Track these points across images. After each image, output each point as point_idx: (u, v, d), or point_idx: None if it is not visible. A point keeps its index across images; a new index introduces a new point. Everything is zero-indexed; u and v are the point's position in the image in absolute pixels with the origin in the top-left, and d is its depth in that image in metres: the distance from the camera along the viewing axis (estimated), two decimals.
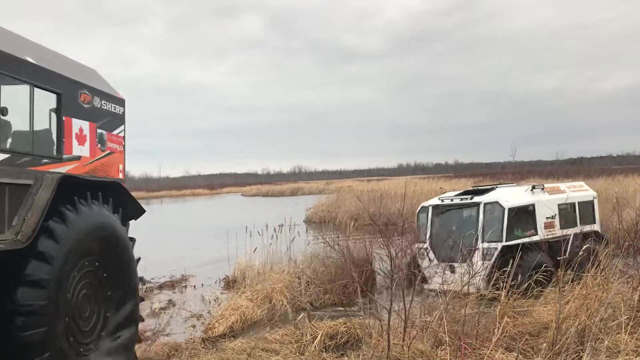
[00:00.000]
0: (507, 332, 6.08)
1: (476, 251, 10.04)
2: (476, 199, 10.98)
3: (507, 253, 9.94)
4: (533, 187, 11.59)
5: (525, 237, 10.61)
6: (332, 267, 11.11)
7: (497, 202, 10.63)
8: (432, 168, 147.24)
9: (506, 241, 10.29)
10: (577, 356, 5.25)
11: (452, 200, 11.49)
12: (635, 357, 4.65)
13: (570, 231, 11.25)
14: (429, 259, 10.77)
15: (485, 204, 10.67)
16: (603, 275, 6.35)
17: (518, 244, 9.61)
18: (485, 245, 10.22)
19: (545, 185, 12.16)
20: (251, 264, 12.64)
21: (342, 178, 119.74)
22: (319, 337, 7.08)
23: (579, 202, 12.30)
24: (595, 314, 5.72)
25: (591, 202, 13.00)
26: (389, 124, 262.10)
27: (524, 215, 10.91)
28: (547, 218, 11.22)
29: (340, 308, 9.62)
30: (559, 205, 11.64)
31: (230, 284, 12.83)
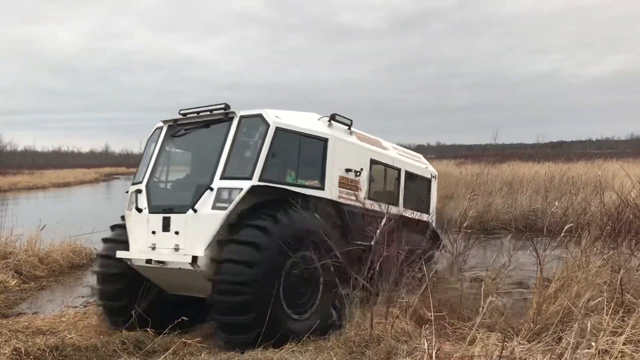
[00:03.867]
0: (490, 312, 6.13)
1: (206, 193, 6.52)
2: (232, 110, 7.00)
3: (260, 204, 6.60)
4: (333, 117, 7.78)
5: (301, 186, 7.10)
6: None
7: (260, 117, 6.84)
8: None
9: (261, 180, 6.53)
10: (557, 336, 5.31)
11: (198, 114, 7.28)
12: (616, 337, 4.71)
13: (385, 208, 7.74)
14: (136, 208, 7.02)
15: (243, 117, 6.90)
16: (585, 257, 6.41)
17: (282, 192, 6.73)
18: (223, 183, 6.52)
19: (356, 130, 8.33)
20: None
21: None
22: None
23: (407, 173, 9.20)
24: (576, 296, 5.78)
25: (427, 182, 10.03)
26: (378, 104, 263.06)
27: (306, 152, 7.23)
28: (346, 171, 7.65)
29: None
30: (372, 161, 8.31)
31: None
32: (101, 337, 6.70)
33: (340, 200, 7.59)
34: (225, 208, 6.40)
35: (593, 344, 4.46)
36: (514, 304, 6.92)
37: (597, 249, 6.64)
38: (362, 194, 7.99)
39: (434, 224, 9.81)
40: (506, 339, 4.89)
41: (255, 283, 6.01)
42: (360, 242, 7.24)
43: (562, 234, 6.95)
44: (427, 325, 5.68)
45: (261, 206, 6.61)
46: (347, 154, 7.80)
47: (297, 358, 5.52)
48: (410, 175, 9.46)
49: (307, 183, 7.28)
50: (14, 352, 5.59)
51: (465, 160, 44.70)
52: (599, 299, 5.45)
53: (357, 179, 7.93)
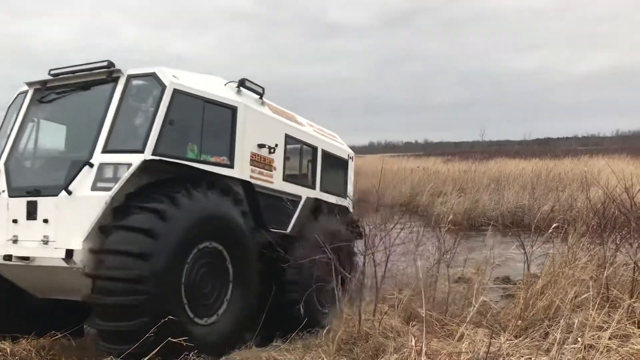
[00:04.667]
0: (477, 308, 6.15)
1: (84, 170, 5.38)
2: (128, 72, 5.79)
3: (153, 184, 5.54)
4: (243, 83, 6.69)
5: (205, 163, 6.04)
6: None
7: (153, 76, 5.70)
8: (402, 146, 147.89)
9: (155, 154, 5.42)
10: (543, 332, 5.34)
11: (74, 73, 6.03)
12: (602, 332, 4.74)
13: (301, 192, 7.59)
14: None
15: (131, 77, 5.72)
16: (571, 253, 6.45)
17: (182, 169, 5.71)
18: (106, 158, 5.41)
19: (268, 101, 7.31)
20: None
21: None
22: None
23: (325, 152, 8.29)
24: (563, 291, 5.82)
25: (344, 163, 9.08)
26: (366, 101, 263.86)
27: (211, 122, 6.14)
28: (259, 147, 6.66)
29: None
30: (288, 137, 7.35)
31: None
32: None
33: (253, 180, 6.55)
34: (109, 189, 5.19)
35: (579, 339, 4.49)
36: (500, 300, 6.96)
37: (583, 244, 6.68)
38: (278, 174, 7.11)
39: (351, 209, 8.96)
40: (493, 335, 4.90)
41: (149, 280, 4.89)
42: (276, 230, 6.75)
43: (550, 230, 6.99)
44: (414, 322, 5.69)
45: (155, 186, 5.46)
46: (260, 127, 6.74)
47: (285, 356, 5.49)
48: (327, 156, 8.44)
49: (212, 159, 6.16)
50: None
51: (452, 157, 44.89)
52: (586, 294, 5.49)
53: (271, 156, 6.92)
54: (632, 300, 5.39)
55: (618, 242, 6.33)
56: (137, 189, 5.43)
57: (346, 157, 9.18)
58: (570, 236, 6.76)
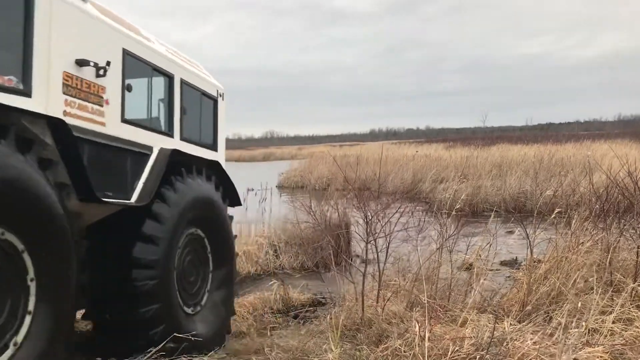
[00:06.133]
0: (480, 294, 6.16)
1: None
2: None
3: None
4: None
5: None
6: (308, 232, 11.07)
7: None
8: (403, 133, 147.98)
9: None
10: (547, 316, 5.35)
11: None
12: (606, 316, 4.75)
13: (152, 141, 5.33)
14: None
15: None
16: (574, 238, 6.44)
17: None
18: None
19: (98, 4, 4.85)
20: None
21: (314, 143, 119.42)
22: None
23: (185, 84, 5.98)
24: (566, 276, 5.82)
25: (212, 102, 6.80)
26: (368, 89, 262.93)
27: None
28: (78, 64, 4.36)
29: (315, 269, 9.71)
30: (127, 54, 4.95)
31: None
32: None
33: (69, 119, 4.20)
34: None
35: (583, 323, 4.49)
36: (504, 283, 6.97)
37: (586, 229, 6.67)
38: (113, 111, 4.75)
39: (224, 165, 6.82)
40: (497, 320, 4.90)
41: None
42: (113, 200, 4.64)
43: (553, 215, 6.98)
44: (418, 308, 5.69)
45: None
46: (81, 33, 4.43)
47: (288, 343, 5.51)
48: (189, 89, 6.13)
49: None
50: None
51: (454, 143, 44.87)
52: (589, 278, 5.49)
53: (99, 82, 4.57)
54: (636, 284, 5.40)
55: (621, 227, 6.31)
56: None
57: (215, 94, 6.84)
58: (574, 221, 6.75)
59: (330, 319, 6.15)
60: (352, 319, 5.84)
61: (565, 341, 4.31)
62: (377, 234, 6.46)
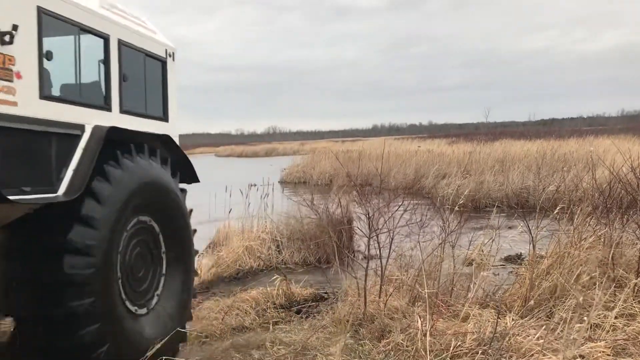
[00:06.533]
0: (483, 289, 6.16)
1: None
2: None
3: None
4: None
5: None
6: (310, 227, 11.07)
7: None
8: (406, 129, 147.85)
9: None
10: (549, 312, 5.35)
11: None
12: (608, 311, 4.75)
13: (83, 118, 4.55)
14: None
15: None
16: (577, 233, 6.43)
17: None
18: None
19: None
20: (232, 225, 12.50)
21: (316, 139, 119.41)
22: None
23: (124, 45, 5.11)
24: (569, 272, 5.81)
25: (160, 64, 5.89)
26: (371, 84, 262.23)
27: None
28: None
29: (317, 265, 9.71)
30: (43, 13, 4.05)
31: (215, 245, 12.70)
32: None
33: None
34: None
35: (585, 318, 4.49)
36: (506, 279, 6.97)
37: (589, 224, 6.66)
38: (27, 87, 3.96)
39: (176, 138, 6.05)
40: (499, 316, 4.91)
41: None
42: (32, 196, 3.95)
43: (555, 211, 6.97)
44: (420, 303, 5.70)
45: None
46: None
47: (290, 338, 5.52)
48: (129, 51, 5.24)
49: None
50: None
51: (457, 139, 44.79)
52: (592, 274, 5.49)
53: (6, 51, 3.75)
54: (639, 279, 5.39)
55: (624, 222, 6.31)
56: None
57: (163, 54, 5.88)
58: (576, 216, 6.73)
59: (333, 313, 6.18)
60: (354, 314, 5.85)
61: (567, 336, 4.32)
62: (379, 230, 6.47)
